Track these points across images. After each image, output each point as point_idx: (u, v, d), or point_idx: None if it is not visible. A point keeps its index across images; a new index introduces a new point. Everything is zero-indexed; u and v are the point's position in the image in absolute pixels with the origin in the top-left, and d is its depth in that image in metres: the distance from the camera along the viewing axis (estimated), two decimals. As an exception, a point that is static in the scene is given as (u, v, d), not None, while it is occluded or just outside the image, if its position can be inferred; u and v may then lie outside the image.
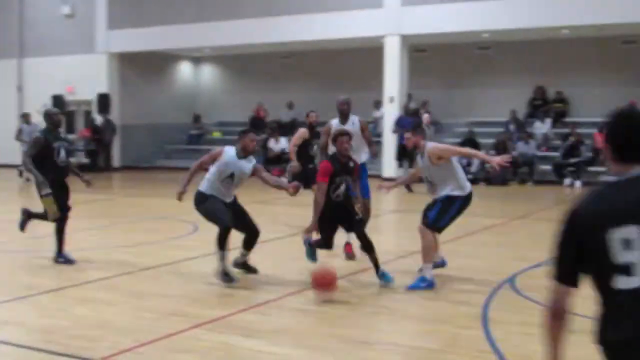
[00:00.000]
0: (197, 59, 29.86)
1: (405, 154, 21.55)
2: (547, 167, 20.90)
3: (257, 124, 26.56)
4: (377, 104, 23.64)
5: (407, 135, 8.10)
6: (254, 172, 8.27)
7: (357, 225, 8.09)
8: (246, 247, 8.51)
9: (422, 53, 24.17)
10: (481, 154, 7.91)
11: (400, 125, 21.80)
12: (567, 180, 20.14)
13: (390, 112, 22.20)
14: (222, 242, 7.99)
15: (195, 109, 29.03)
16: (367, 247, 7.93)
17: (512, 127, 22.28)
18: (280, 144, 24.10)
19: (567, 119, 22.50)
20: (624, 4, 19.06)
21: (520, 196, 18.24)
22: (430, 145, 7.91)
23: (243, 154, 8.17)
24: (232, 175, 8.12)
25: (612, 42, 22.00)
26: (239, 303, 7.28)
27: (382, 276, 7.88)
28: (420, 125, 8.29)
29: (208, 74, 30.29)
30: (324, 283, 7.29)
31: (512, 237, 11.70)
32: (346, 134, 8.08)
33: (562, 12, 19.69)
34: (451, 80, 24.12)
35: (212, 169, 8.19)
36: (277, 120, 26.07)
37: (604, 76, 22.36)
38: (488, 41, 23.37)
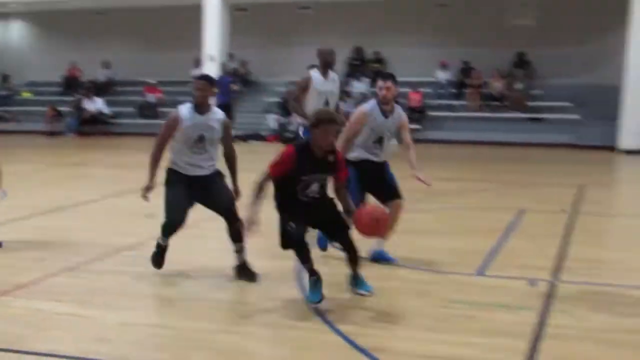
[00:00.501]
0: (3, 15, 28.18)
1: (225, 113, 21.47)
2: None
3: (71, 83, 25.57)
4: (197, 63, 23.32)
5: (389, 84, 7.01)
6: (223, 131, 6.70)
7: (343, 232, 5.93)
8: (233, 238, 6.73)
9: (243, 12, 24.02)
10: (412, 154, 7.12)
11: (220, 85, 21.72)
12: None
13: (210, 71, 21.96)
14: (165, 232, 6.67)
15: (3, 69, 27.45)
16: (354, 258, 6.04)
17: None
18: (95, 104, 23.30)
19: (384, 79, 23.16)
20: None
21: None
22: (401, 112, 7.23)
23: (200, 107, 6.60)
24: (202, 139, 6.60)
25: (427, 4, 22.78)
26: (50, 267, 6.98)
27: (359, 284, 6.15)
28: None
29: (16, 31, 28.70)
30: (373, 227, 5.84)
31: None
32: (335, 122, 5.67)
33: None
34: (272, 40, 24.15)
35: (177, 138, 6.58)
36: (93, 80, 25.18)
37: (418, 37, 23.16)
38: (308, 1, 23.55)
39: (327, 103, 8.70)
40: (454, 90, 22.79)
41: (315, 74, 8.74)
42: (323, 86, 8.68)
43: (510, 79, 22.19)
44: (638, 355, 4.99)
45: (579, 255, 7.72)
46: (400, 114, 7.18)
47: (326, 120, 5.53)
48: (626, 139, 19.29)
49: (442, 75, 22.94)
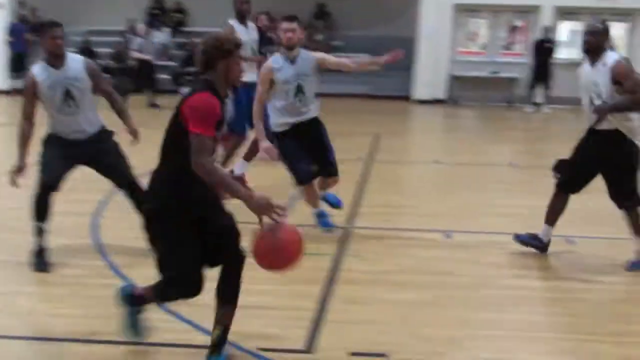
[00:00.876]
0: None
1: (20, 64, 20.38)
2: (166, 77, 21.05)
3: None
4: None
5: (294, 26, 6.37)
6: (92, 78, 5.85)
7: (237, 262, 4.05)
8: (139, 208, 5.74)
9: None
10: (356, 61, 6.57)
11: (14, 33, 20.57)
12: (183, 89, 20.54)
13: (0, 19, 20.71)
14: (35, 206, 5.67)
15: None
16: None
17: (129, 36, 21.96)
18: None
19: (185, 29, 22.76)
20: None
21: (142, 106, 18.12)
22: (309, 52, 6.57)
23: (54, 60, 5.71)
24: (68, 94, 5.70)
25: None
26: None
27: None
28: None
29: None
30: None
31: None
32: (240, 45, 4.11)
33: None
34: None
35: (43, 103, 5.76)
36: None
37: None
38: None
39: (253, 52, 8.47)
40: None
41: (236, 24, 8.32)
42: (246, 36, 8.24)
43: (311, 30, 22.46)
44: (428, 294, 5.29)
45: (374, 201, 8.04)
46: (308, 54, 6.54)
47: (238, 44, 4.08)
48: (419, 90, 20.12)
49: (245, 26, 22.88)
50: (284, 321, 4.55)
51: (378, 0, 22.04)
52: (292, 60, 6.43)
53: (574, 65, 19.09)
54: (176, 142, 3.86)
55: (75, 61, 5.82)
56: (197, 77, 4.05)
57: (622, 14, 19.40)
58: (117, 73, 18.66)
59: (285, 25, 6.37)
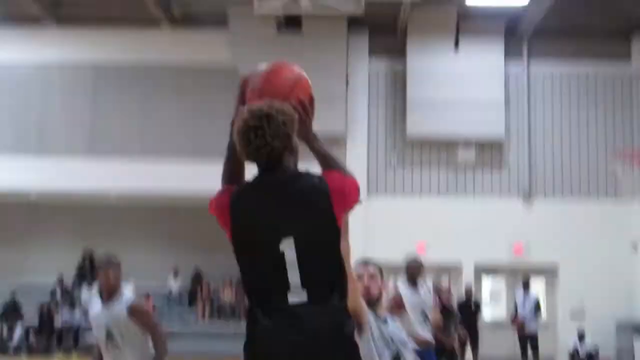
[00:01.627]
0: None
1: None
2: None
3: None
4: None
5: (372, 271, 4.49)
6: (132, 316, 5.48)
7: None
8: None
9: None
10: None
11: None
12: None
13: None
14: None
15: None
16: None
17: (58, 292, 21.41)
18: None
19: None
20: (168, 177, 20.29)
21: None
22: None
23: (107, 295, 5.56)
24: (109, 335, 5.42)
25: (160, 211, 22.65)
26: None
27: None
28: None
29: None
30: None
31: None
32: None
33: (107, 178, 20.31)
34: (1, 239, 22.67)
35: None
36: None
37: (154, 242, 22.73)
38: (37, 201, 22.50)
39: (425, 316, 8.13)
40: (185, 300, 22.23)
41: (402, 287, 8.12)
42: (412, 298, 8.14)
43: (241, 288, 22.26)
44: None
45: None
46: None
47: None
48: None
49: (174, 284, 22.39)
50: None
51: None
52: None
53: (499, 325, 19.37)
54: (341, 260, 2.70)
55: (124, 301, 5.53)
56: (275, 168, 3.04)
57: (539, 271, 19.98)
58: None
59: (360, 269, 4.50)
